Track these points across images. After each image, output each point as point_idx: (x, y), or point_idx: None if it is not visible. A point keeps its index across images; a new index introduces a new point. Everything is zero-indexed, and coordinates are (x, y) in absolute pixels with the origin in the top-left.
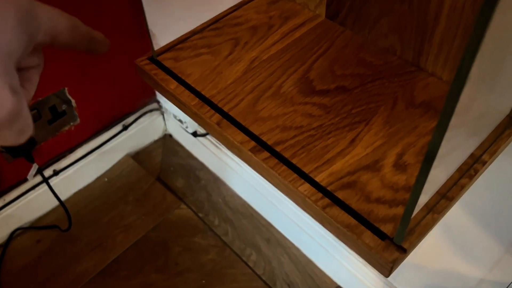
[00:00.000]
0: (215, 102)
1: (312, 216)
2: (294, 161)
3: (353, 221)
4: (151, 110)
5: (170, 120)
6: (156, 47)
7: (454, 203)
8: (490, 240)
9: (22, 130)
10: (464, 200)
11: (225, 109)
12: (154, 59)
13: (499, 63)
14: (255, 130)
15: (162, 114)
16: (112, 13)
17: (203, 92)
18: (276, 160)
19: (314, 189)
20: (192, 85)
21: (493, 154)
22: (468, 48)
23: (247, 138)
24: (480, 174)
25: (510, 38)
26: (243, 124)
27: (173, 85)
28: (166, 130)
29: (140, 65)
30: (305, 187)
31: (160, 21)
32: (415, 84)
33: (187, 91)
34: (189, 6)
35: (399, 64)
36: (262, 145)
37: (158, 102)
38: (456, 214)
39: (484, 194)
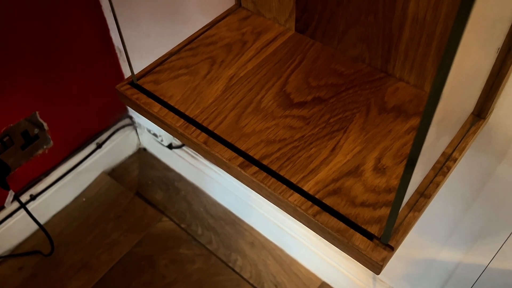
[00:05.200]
0: (200, 122)
1: (304, 224)
2: (281, 173)
3: (342, 225)
4: (123, 126)
5: (144, 134)
6: (124, 63)
7: (431, 200)
8: (462, 229)
9: None
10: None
11: (210, 127)
12: (135, 84)
13: (461, 64)
14: (241, 146)
15: (135, 129)
16: (77, 33)
17: (186, 113)
18: (265, 174)
19: (303, 198)
20: (175, 107)
21: (462, 150)
22: (441, 66)
23: (234, 154)
24: (452, 171)
25: (469, 39)
26: (229, 141)
27: (156, 108)
28: (140, 144)
29: (121, 90)
30: (295, 197)
31: (128, 37)
32: (385, 90)
33: (171, 112)
34: (157, 22)
35: (368, 72)
36: (249, 160)
37: (130, 117)
38: (430, 207)
39: (454, 185)
